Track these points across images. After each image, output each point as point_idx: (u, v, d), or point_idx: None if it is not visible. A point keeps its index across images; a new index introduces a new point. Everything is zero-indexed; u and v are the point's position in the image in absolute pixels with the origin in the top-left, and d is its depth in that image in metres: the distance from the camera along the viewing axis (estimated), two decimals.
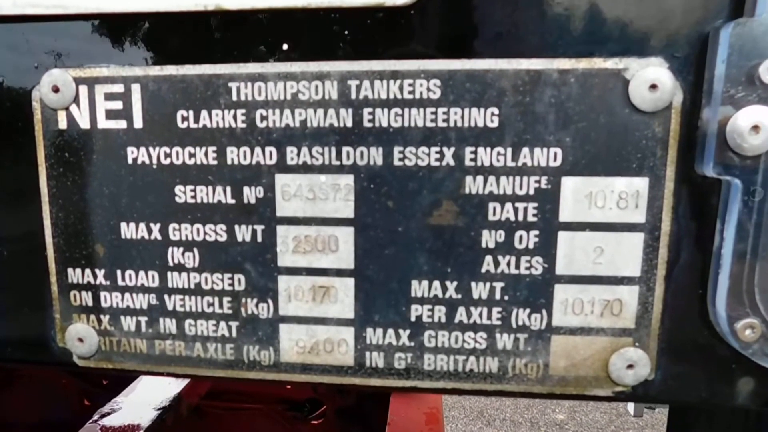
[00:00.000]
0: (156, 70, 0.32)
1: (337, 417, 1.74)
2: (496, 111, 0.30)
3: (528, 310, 0.32)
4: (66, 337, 0.36)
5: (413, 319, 0.33)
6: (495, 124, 0.30)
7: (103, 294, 0.35)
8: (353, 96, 0.31)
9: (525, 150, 0.30)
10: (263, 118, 0.31)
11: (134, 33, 0.32)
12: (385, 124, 0.31)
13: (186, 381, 1.43)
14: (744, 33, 0.27)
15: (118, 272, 0.35)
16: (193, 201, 0.33)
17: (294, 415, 1.80)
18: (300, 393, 1.79)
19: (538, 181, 0.30)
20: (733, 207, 0.29)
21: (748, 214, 0.28)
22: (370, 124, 0.31)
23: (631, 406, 2.99)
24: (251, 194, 0.32)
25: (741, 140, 0.28)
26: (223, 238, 0.33)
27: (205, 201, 0.33)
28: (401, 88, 0.30)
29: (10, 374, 1.60)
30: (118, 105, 0.33)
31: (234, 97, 0.32)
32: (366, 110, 0.31)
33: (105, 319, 0.35)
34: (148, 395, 1.37)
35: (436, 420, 1.53)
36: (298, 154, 0.31)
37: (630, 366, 0.32)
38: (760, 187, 0.28)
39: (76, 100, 0.33)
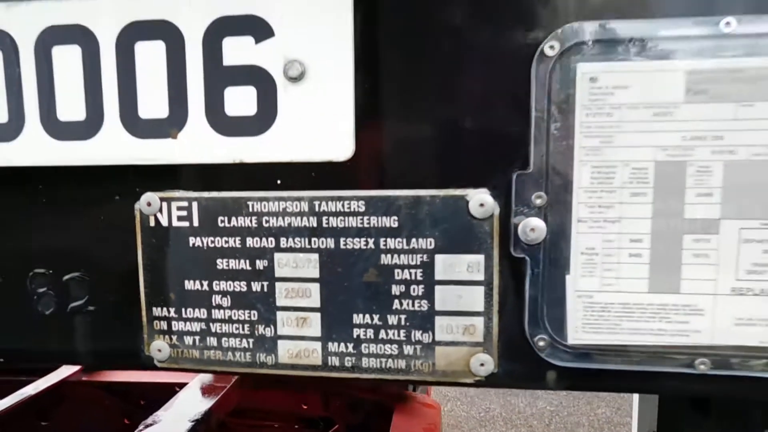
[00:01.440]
0: (205, 194, 0.56)
1: None
2: (396, 218, 0.53)
3: (421, 332, 0.54)
4: (150, 349, 0.60)
5: (355, 336, 0.56)
6: (396, 225, 0.53)
7: (173, 322, 0.59)
8: (317, 209, 0.54)
9: (413, 239, 0.53)
10: (267, 221, 0.55)
11: (191, 173, 0.56)
12: (335, 225, 0.54)
13: (215, 398, 1.66)
14: (524, 178, 0.50)
15: (182, 309, 0.58)
16: (227, 268, 0.56)
17: (309, 431, 2.01)
18: (314, 411, 2.00)
19: (422, 257, 0.53)
20: (528, 274, 0.51)
21: (533, 279, 0.51)
22: (327, 225, 0.54)
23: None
24: (260, 264, 0.56)
25: (525, 236, 0.50)
26: (245, 289, 0.57)
27: (234, 268, 0.56)
28: (344, 205, 0.54)
29: (60, 394, 1.86)
30: (184, 213, 0.56)
31: (250, 210, 0.55)
32: (324, 217, 0.54)
33: (174, 338, 0.59)
34: (184, 410, 1.60)
35: None
36: (287, 242, 0.55)
37: (482, 364, 0.54)
38: (541, 263, 0.51)
39: (160, 209, 0.57)
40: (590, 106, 0.48)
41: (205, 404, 1.62)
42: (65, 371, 2.01)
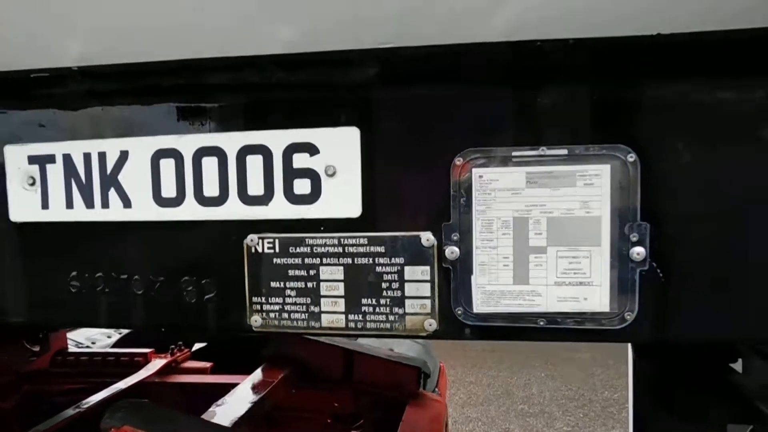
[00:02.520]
0: (283, 234, 1.04)
1: (371, 426, 2.40)
2: (383, 247, 1.01)
3: (398, 308, 1.01)
4: (251, 321, 1.08)
5: (362, 311, 1.03)
6: (384, 250, 1.01)
7: (264, 305, 1.06)
8: (342, 242, 1.02)
9: (393, 258, 1.00)
10: (316, 249, 1.03)
11: (275, 224, 1.05)
12: (351, 251, 1.02)
13: (266, 390, 2.13)
14: (448, 226, 0.97)
15: (269, 298, 1.06)
16: (294, 274, 1.04)
17: (341, 425, 2.46)
18: (344, 408, 2.46)
19: (398, 267, 1.00)
20: (452, 276, 0.98)
21: (455, 278, 0.97)
22: (347, 251, 1.02)
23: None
24: (312, 272, 1.04)
25: (450, 256, 0.97)
26: (303, 286, 1.04)
27: (297, 274, 1.04)
28: (356, 240, 1.01)
29: (142, 391, 2.34)
30: (270, 245, 1.05)
31: (307, 243, 1.03)
32: (346, 247, 1.02)
33: (264, 314, 1.07)
34: (244, 396, 2.07)
35: (438, 421, 2.17)
36: (326, 260, 1.03)
37: (430, 325, 1.01)
38: (458, 270, 0.97)
39: (258, 243, 1.05)
40: (480, 189, 0.95)
41: (258, 395, 2.10)
42: (144, 373, 2.51)
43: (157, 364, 2.63)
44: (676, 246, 0.90)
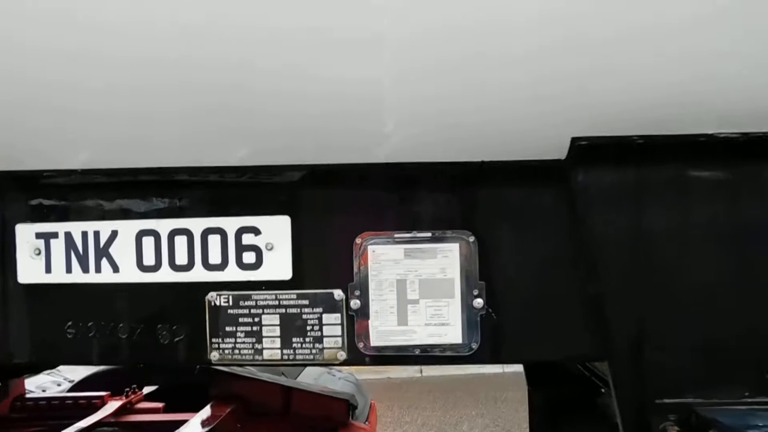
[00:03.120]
0: (235, 292, 1.44)
1: None
2: (307, 300, 1.42)
3: (317, 344, 1.42)
4: (210, 356, 1.46)
5: (293, 343, 1.43)
6: (307, 302, 1.42)
7: (221, 344, 1.45)
8: (278, 297, 1.43)
9: (315, 306, 1.42)
10: (258, 303, 1.43)
11: (230, 284, 1.44)
12: (286, 303, 1.42)
13: (213, 424, 2.46)
14: (352, 286, 1.40)
15: (223, 338, 1.45)
16: (245, 321, 1.44)
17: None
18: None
19: (319, 313, 1.42)
20: (355, 320, 1.40)
21: (357, 321, 1.39)
22: (282, 303, 1.43)
23: None
24: (257, 319, 1.44)
25: (353, 306, 1.39)
26: (250, 329, 1.44)
27: (247, 321, 1.44)
28: (287, 295, 1.42)
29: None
30: (226, 300, 1.44)
31: (252, 298, 1.44)
32: (281, 300, 1.42)
33: (221, 351, 1.45)
34: (196, 429, 2.39)
35: None
36: (268, 310, 1.43)
37: (342, 355, 1.42)
38: (361, 315, 1.39)
39: (216, 298, 1.45)
40: (373, 260, 1.39)
41: (207, 427, 2.43)
42: (100, 414, 2.79)
43: (112, 405, 2.91)
44: (503, 297, 1.35)
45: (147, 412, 2.93)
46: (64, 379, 4.49)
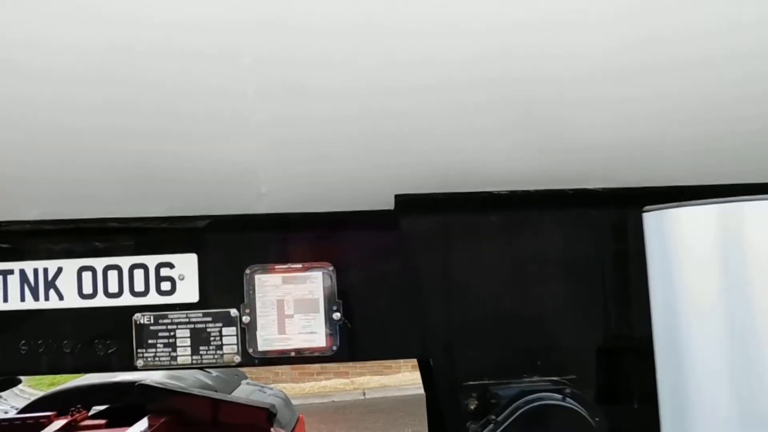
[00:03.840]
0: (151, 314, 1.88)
1: None
2: (205, 322, 1.87)
3: (218, 350, 1.87)
4: (137, 363, 1.89)
5: (200, 353, 1.87)
6: (210, 320, 1.87)
7: (145, 354, 1.88)
8: (191, 316, 1.87)
9: (215, 324, 1.87)
10: (172, 320, 1.87)
11: (147, 307, 1.88)
12: (195, 321, 1.87)
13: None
14: (245, 327, 1.86)
15: (142, 352, 1.88)
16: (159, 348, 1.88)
17: None
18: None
19: (218, 331, 1.87)
20: (247, 338, 1.86)
21: (248, 338, 1.85)
22: (193, 322, 1.87)
23: None
24: (171, 341, 1.88)
25: (246, 321, 1.85)
26: (164, 348, 1.88)
27: (163, 344, 1.88)
28: (194, 314, 1.87)
29: None
30: (148, 319, 1.88)
31: (167, 319, 1.88)
32: (191, 318, 1.87)
33: (145, 359, 1.88)
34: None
35: None
36: (184, 327, 1.87)
37: (237, 358, 1.86)
38: (250, 332, 1.85)
39: (141, 319, 1.88)
40: (259, 285, 1.85)
41: None
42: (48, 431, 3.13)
43: (58, 423, 3.25)
44: (355, 311, 1.83)
45: (90, 428, 3.27)
46: (11, 407, 4.78)
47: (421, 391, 8.76)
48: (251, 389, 3.95)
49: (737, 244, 0.90)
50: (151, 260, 1.88)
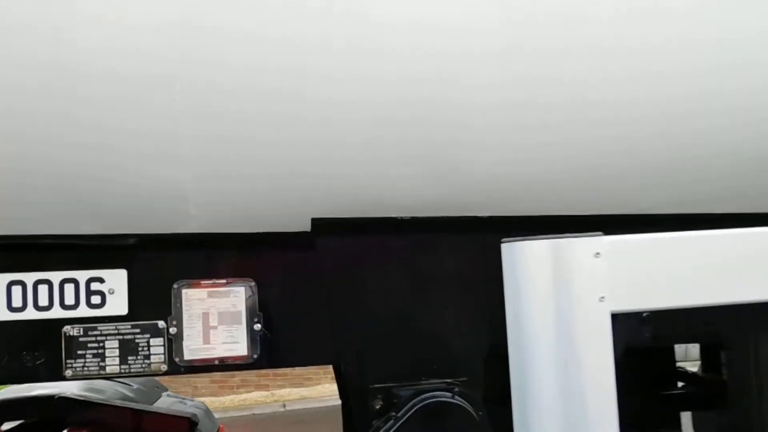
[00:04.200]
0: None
1: None
2: (139, 335, 2.02)
3: (146, 360, 2.01)
4: (65, 373, 2.00)
5: (128, 363, 2.01)
6: (139, 332, 2.02)
7: (73, 364, 2.00)
8: (121, 327, 2.01)
9: (142, 329, 2.02)
10: (101, 332, 2.01)
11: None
12: (124, 332, 2.01)
13: None
14: (173, 337, 2.02)
15: (76, 360, 2.00)
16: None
17: None
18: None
19: (145, 340, 2.02)
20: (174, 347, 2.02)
21: (175, 347, 2.01)
22: (121, 333, 2.01)
23: None
24: (99, 351, 2.01)
25: (173, 332, 2.01)
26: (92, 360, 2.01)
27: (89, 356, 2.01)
28: (123, 326, 2.01)
29: None
30: (78, 330, 2.01)
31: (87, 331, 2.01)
32: (119, 329, 2.01)
33: (73, 369, 2.00)
34: None
35: None
36: (112, 338, 2.01)
37: (164, 367, 2.02)
38: (176, 342, 2.01)
39: (71, 330, 2.00)
40: (185, 299, 2.02)
41: None
42: None
43: None
44: (273, 323, 2.03)
45: None
46: None
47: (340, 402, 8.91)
48: (172, 401, 4.03)
49: (565, 276, 1.17)
50: (82, 275, 2.01)
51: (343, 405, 3.29)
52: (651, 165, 1.97)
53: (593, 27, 1.90)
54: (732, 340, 1.60)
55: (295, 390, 9.73)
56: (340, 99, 1.84)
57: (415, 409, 1.84)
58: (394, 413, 1.86)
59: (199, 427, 3.35)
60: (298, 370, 9.87)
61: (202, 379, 9.26)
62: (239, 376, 9.65)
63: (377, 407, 1.97)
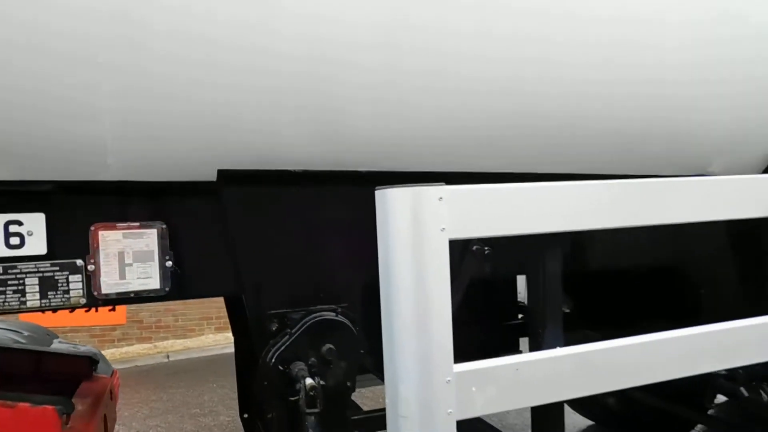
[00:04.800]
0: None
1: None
2: None
3: (66, 294, 2.27)
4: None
5: (48, 298, 2.26)
6: None
7: None
8: None
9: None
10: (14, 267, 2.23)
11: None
12: (41, 269, 2.25)
13: None
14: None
15: None
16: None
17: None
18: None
19: None
20: None
21: None
22: None
23: None
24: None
25: (90, 268, 2.28)
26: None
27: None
28: (41, 267, 2.25)
29: None
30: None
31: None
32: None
33: None
34: None
35: (104, 385, 3.33)
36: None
37: (83, 300, 2.29)
38: (95, 279, 2.28)
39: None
40: (102, 241, 2.28)
41: None
42: None
43: None
44: (183, 258, 2.36)
45: None
46: None
47: (224, 351, 9.53)
48: (65, 347, 4.19)
49: (417, 214, 1.61)
50: (2, 218, 2.21)
51: (235, 339, 3.68)
52: (485, 133, 2.47)
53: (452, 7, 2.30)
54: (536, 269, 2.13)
55: (179, 341, 9.87)
56: (244, 66, 2.14)
57: (305, 325, 2.27)
58: (288, 330, 2.28)
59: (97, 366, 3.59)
60: (180, 322, 10.00)
61: (80, 335, 9.18)
62: (120, 329, 9.64)
63: (273, 329, 2.37)
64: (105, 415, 3.14)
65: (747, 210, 2.32)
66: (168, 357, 9.33)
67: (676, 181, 2.15)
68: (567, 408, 5.65)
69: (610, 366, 1.86)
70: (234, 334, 3.75)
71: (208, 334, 10.05)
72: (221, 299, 10.51)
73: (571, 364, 1.76)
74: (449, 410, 1.58)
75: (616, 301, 3.57)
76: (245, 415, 3.85)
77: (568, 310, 4.11)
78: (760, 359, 2.20)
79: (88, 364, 3.47)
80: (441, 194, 1.56)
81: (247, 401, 3.79)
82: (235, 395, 4.38)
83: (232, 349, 4.32)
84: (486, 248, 2.38)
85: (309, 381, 2.07)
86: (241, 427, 5.01)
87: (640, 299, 3.25)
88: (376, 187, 1.68)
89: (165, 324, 9.86)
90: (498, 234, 1.68)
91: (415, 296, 1.59)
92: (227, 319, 10.60)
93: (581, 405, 5.22)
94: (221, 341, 9.82)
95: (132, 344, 9.61)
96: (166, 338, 9.86)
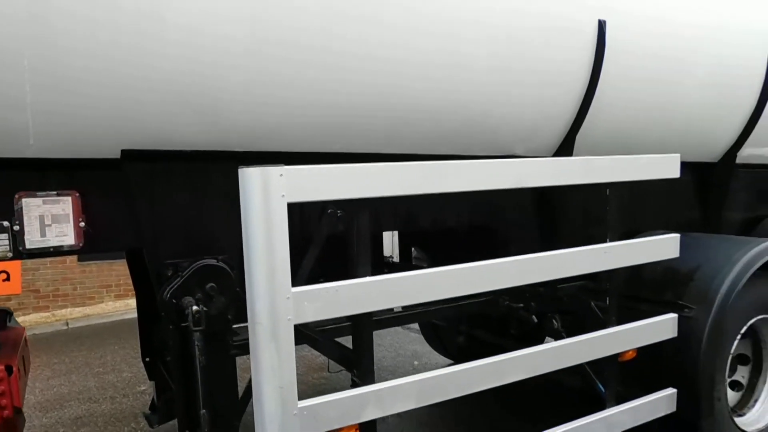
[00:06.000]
0: None
1: None
2: None
3: None
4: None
5: None
6: None
7: None
8: None
9: None
10: None
11: None
12: None
13: None
14: None
15: None
16: None
17: None
18: None
19: None
20: None
21: None
22: None
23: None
24: None
25: (16, 228, 2.85)
26: None
27: None
28: None
29: None
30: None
31: None
32: None
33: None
34: None
35: (19, 335, 3.87)
36: None
37: (9, 254, 2.86)
38: (19, 235, 2.85)
39: None
40: (25, 207, 2.86)
41: None
42: None
43: None
44: (95, 220, 2.98)
45: None
46: None
47: (124, 317, 10.07)
48: None
49: (265, 186, 2.36)
50: None
51: (136, 290, 4.30)
52: (332, 121, 3.25)
53: None
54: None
55: (78, 309, 10.11)
56: (141, 69, 2.76)
57: (193, 269, 2.97)
58: (180, 273, 2.97)
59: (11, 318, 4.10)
60: (79, 290, 10.24)
61: None
62: (16, 299, 9.77)
63: (169, 274, 3.06)
64: (23, 357, 3.69)
65: (538, 180, 3.26)
66: (67, 324, 9.59)
67: (472, 162, 3.02)
68: (431, 349, 6.69)
69: (410, 288, 2.71)
70: (135, 287, 4.36)
71: (107, 302, 10.36)
72: (120, 268, 11.04)
73: (376, 287, 2.60)
74: (288, 317, 2.36)
75: (443, 252, 4.54)
76: (147, 359, 4.49)
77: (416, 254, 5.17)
78: (545, 278, 3.19)
79: (3, 316, 3.97)
80: (281, 172, 2.32)
81: (149, 346, 4.42)
82: (138, 355, 4.93)
83: (133, 315, 4.79)
84: (339, 211, 3.16)
85: (195, 308, 2.79)
86: (145, 379, 5.64)
87: (461, 249, 4.18)
88: (239, 167, 2.40)
89: (63, 292, 10.07)
90: (320, 199, 2.47)
91: (265, 242, 2.34)
92: (127, 287, 11.23)
93: (445, 348, 6.32)
94: (121, 308, 10.18)
95: (29, 313, 9.77)
96: (65, 306, 10.08)
